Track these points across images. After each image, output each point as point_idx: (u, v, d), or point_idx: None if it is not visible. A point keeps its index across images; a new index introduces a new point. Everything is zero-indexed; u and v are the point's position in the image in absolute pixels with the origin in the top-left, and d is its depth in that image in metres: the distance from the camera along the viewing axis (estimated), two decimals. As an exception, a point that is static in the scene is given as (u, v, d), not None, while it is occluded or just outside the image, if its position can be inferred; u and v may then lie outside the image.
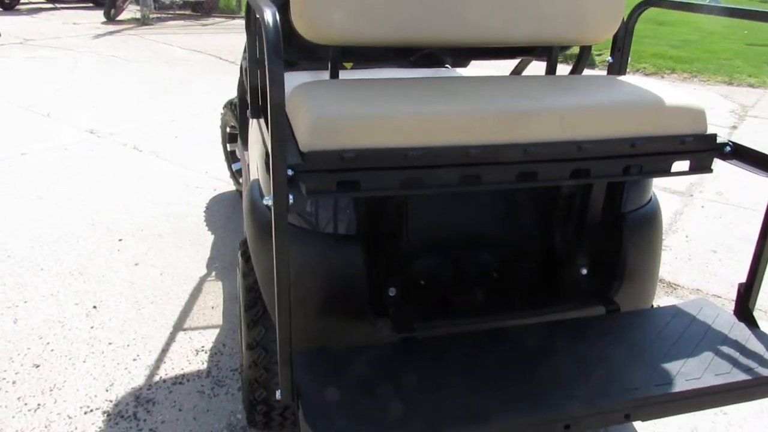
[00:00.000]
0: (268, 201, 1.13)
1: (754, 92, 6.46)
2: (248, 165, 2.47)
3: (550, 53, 1.89)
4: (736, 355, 1.39)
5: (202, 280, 2.75)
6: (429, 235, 1.67)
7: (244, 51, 2.98)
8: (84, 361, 2.20)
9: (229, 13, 11.26)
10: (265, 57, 1.05)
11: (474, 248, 1.72)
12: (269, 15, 1.06)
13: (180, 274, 2.78)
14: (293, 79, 2.12)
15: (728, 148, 1.48)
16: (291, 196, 1.15)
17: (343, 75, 1.74)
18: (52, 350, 2.25)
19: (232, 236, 3.14)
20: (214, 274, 2.81)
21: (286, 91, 1.69)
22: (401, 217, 1.55)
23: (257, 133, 1.94)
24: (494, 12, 1.64)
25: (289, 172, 1.24)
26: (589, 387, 1.27)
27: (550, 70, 1.92)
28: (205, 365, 2.21)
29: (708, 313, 1.56)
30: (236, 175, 3.55)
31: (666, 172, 1.48)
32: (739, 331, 1.48)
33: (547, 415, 1.19)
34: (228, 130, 3.52)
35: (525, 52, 2.02)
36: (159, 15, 10.84)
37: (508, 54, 1.96)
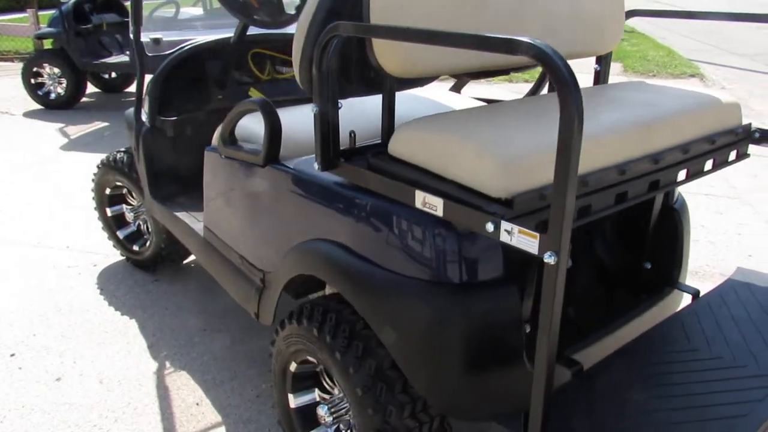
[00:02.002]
0: (549, 259, 0.98)
1: (528, 86, 7.48)
2: (211, 224, 2.11)
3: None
4: None
5: (159, 376, 2.26)
6: None
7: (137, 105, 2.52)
8: None
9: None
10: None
11: (578, 265, 1.71)
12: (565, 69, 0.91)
13: (126, 377, 2.25)
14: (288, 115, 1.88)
15: (757, 134, 1.70)
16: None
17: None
18: None
19: (156, 315, 2.64)
20: (167, 364, 2.33)
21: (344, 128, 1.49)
22: None
23: (282, 188, 1.67)
24: (538, 37, 1.66)
25: (491, 226, 1.10)
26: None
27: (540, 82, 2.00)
28: (240, 474, 1.83)
29: (759, 279, 1.77)
30: (125, 242, 2.99)
31: (726, 162, 1.64)
32: (800, 289, 1.71)
33: None
34: (108, 191, 2.94)
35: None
36: None
37: (517, 70, 1.99)
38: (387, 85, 1.54)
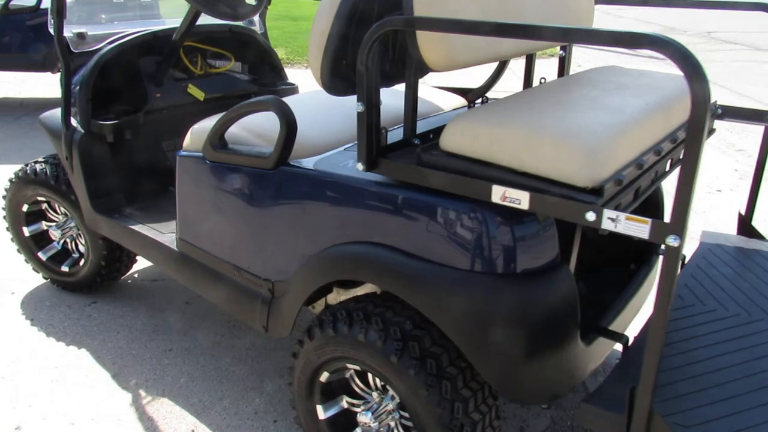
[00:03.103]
0: (673, 242, 1.03)
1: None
2: (189, 236, 1.95)
3: (531, 58, 2.05)
4: None
5: (137, 407, 2.05)
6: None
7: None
8: None
9: None
10: None
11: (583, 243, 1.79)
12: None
13: (98, 415, 2.01)
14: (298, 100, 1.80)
15: (719, 111, 1.89)
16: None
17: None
18: None
19: (109, 341, 2.38)
20: (142, 393, 2.12)
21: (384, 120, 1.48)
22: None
23: (301, 191, 1.58)
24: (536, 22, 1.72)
25: (592, 215, 1.14)
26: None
27: (529, 70, 2.07)
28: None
29: (727, 239, 1.99)
30: (50, 263, 2.65)
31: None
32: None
33: None
34: (26, 208, 2.58)
35: None
36: None
37: None
38: (411, 78, 1.51)
